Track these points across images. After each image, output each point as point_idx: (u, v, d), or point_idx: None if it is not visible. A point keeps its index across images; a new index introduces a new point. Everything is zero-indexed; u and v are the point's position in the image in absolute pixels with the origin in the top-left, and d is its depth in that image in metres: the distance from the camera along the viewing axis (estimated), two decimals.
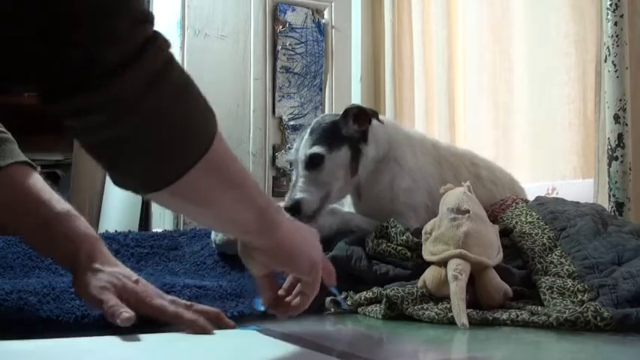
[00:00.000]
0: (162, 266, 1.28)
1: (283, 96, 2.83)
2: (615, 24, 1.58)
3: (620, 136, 1.57)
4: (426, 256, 1.10)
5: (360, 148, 1.38)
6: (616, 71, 1.57)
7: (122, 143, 0.63)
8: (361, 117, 1.37)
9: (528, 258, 1.15)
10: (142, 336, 0.77)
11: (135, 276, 0.86)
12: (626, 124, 1.57)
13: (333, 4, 2.94)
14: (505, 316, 0.98)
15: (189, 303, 0.88)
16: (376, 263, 1.19)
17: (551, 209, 1.26)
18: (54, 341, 0.74)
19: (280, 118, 2.82)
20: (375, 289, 1.10)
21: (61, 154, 2.93)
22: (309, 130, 1.37)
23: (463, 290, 0.98)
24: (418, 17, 2.57)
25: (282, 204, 1.47)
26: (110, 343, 0.75)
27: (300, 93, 2.86)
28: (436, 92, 2.45)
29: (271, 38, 2.82)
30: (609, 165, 1.58)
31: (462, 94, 2.40)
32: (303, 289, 0.87)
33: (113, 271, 0.85)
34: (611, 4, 1.58)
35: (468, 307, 0.98)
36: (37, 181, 0.90)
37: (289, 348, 0.76)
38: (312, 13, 2.91)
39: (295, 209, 1.28)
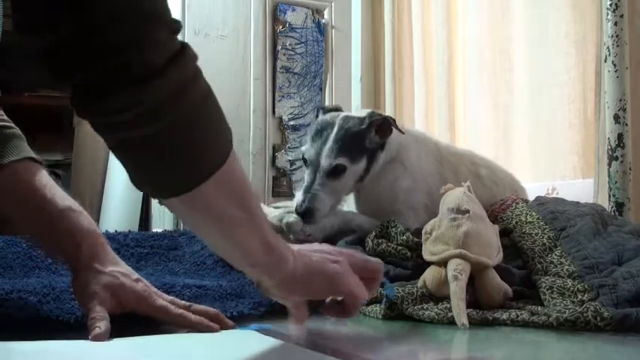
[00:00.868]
0: (162, 266, 1.28)
1: (283, 96, 2.83)
2: (615, 24, 1.58)
3: (620, 136, 1.57)
4: (426, 256, 1.10)
5: (375, 156, 1.38)
6: (616, 71, 1.57)
7: (144, 145, 0.65)
8: (384, 128, 1.36)
9: (528, 258, 1.15)
10: (142, 336, 0.77)
11: (135, 275, 0.86)
12: (626, 124, 1.57)
13: (333, 4, 2.94)
14: (505, 316, 0.98)
15: (187, 304, 0.87)
16: None
17: (551, 209, 1.26)
18: (54, 341, 0.74)
19: (280, 118, 2.82)
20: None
21: (61, 154, 2.94)
22: (333, 136, 1.34)
23: (463, 290, 0.98)
24: (418, 17, 2.57)
25: (287, 203, 1.47)
26: (110, 343, 0.75)
27: (300, 93, 2.86)
28: (436, 92, 2.45)
29: (271, 38, 2.82)
30: (609, 165, 1.58)
31: (462, 94, 2.40)
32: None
33: (113, 270, 0.84)
34: (611, 4, 1.58)
35: (468, 307, 0.98)
36: (43, 177, 0.89)
37: (289, 348, 0.76)
38: (312, 13, 2.91)
39: (309, 216, 1.29)
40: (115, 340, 0.76)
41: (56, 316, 0.84)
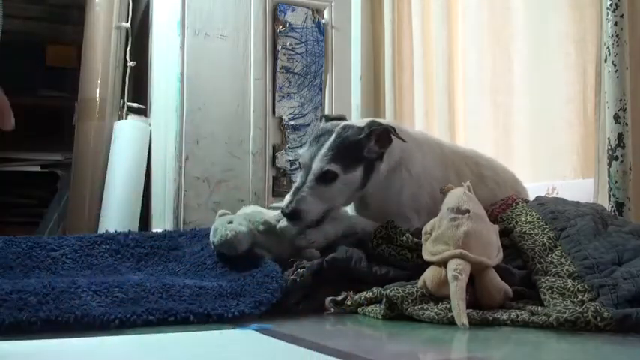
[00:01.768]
0: (162, 266, 1.28)
1: (283, 96, 2.83)
2: (615, 24, 1.58)
3: (620, 136, 1.57)
4: (426, 256, 1.10)
5: (374, 165, 1.37)
6: (616, 71, 1.57)
7: None
8: (384, 138, 1.35)
9: (528, 258, 1.15)
10: (142, 336, 0.77)
11: None
12: (626, 124, 1.57)
13: (333, 4, 2.94)
14: (505, 316, 0.98)
15: None
16: (376, 264, 1.19)
17: (551, 209, 1.26)
18: (54, 341, 0.74)
19: (280, 118, 2.81)
20: (375, 289, 1.10)
21: (61, 154, 2.93)
22: (329, 143, 1.33)
23: (463, 290, 0.98)
24: (418, 17, 2.57)
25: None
26: (110, 343, 0.75)
27: (300, 93, 2.86)
28: (436, 92, 2.45)
29: (271, 38, 2.82)
30: (609, 165, 1.58)
31: (462, 94, 2.40)
32: None
33: None
34: (611, 4, 1.58)
35: (468, 307, 0.98)
36: None
37: (289, 348, 0.76)
38: (312, 13, 2.91)
39: (295, 217, 1.28)
40: (116, 339, 0.76)
41: (56, 316, 0.84)
